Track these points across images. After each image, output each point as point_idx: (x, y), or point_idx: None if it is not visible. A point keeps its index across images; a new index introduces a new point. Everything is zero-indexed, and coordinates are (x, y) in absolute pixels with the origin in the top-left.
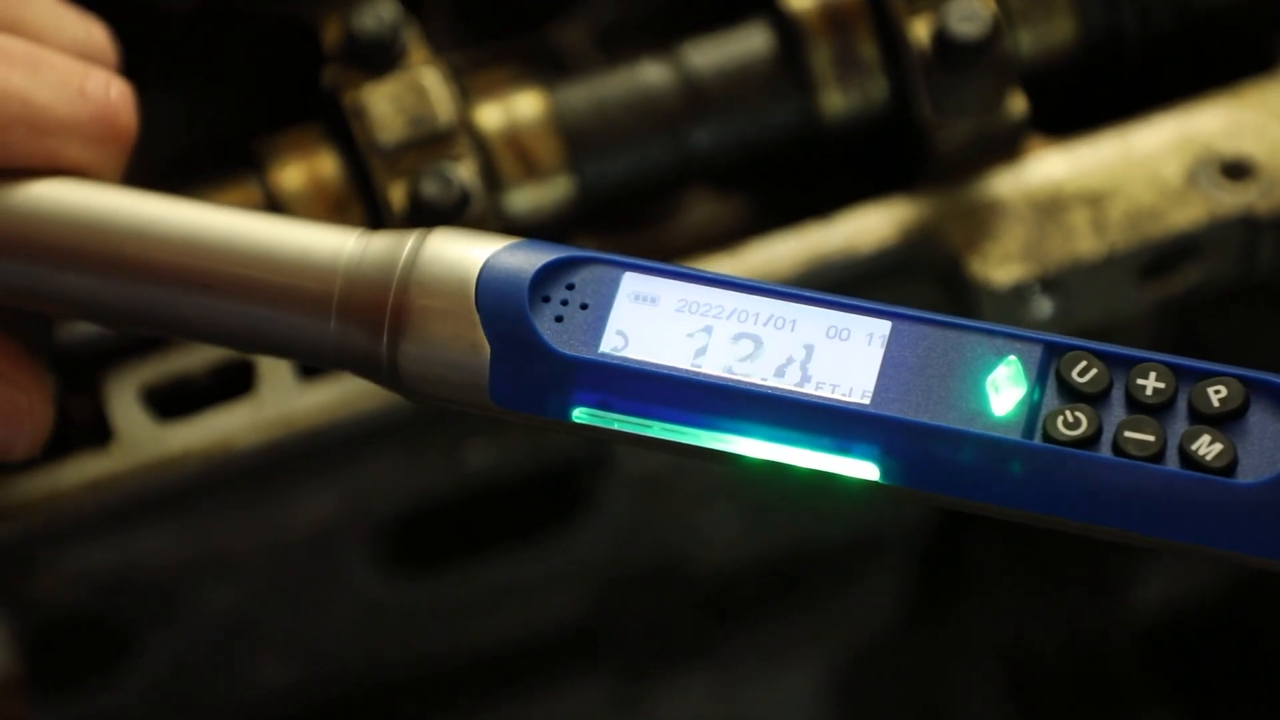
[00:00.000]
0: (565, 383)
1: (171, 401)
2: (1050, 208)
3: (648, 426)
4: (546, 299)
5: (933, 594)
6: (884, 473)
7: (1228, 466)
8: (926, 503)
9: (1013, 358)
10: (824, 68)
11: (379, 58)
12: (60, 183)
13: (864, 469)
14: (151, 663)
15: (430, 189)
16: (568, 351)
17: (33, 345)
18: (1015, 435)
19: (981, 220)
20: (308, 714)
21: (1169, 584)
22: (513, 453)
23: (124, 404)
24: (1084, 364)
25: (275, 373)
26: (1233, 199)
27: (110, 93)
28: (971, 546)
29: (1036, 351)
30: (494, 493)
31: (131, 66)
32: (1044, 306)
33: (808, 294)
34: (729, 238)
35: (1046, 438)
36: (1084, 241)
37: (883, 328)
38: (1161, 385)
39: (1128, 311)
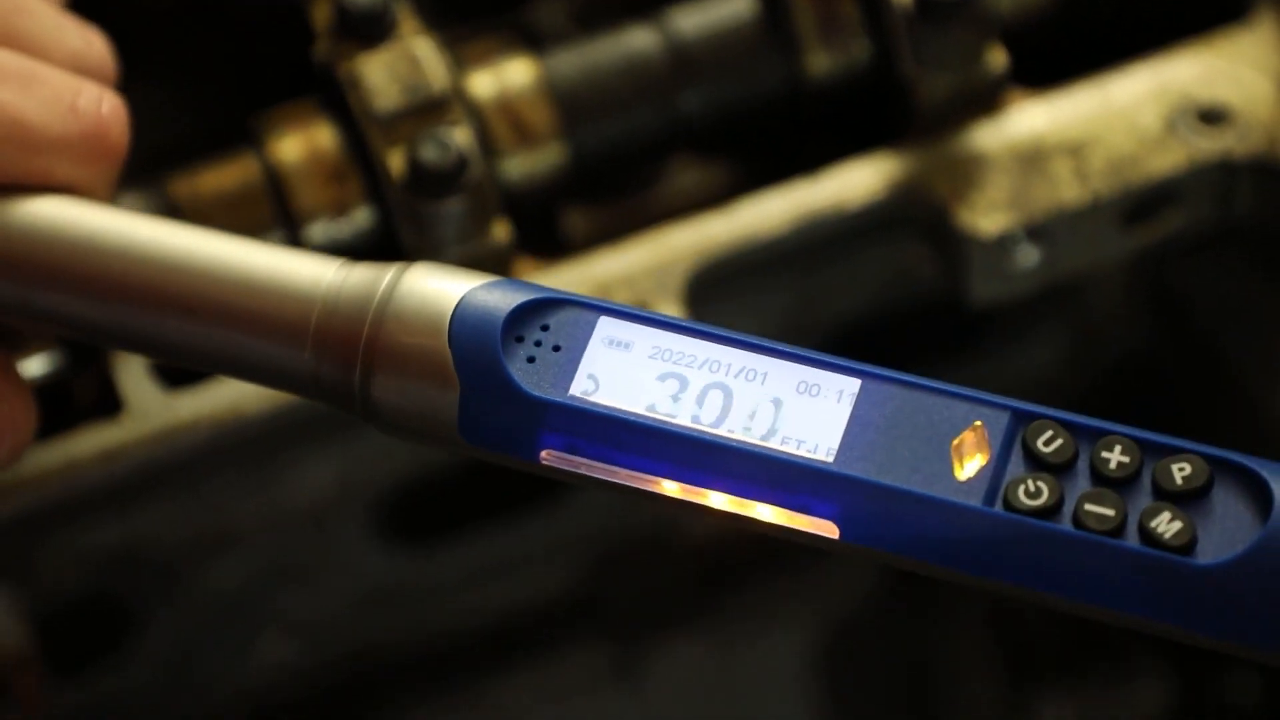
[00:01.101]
0: (533, 424)
1: (179, 372)
2: (1033, 158)
3: (614, 473)
4: (520, 339)
5: None
6: (844, 532)
7: (1186, 545)
8: (889, 563)
9: (979, 423)
10: (808, 29)
11: (372, 29)
12: (48, 200)
13: (825, 527)
14: (156, 643)
15: (429, 154)
16: (537, 393)
17: (11, 354)
18: (976, 501)
19: (966, 172)
20: (309, 692)
21: None
22: None
23: (133, 375)
24: (1050, 433)
25: None
26: (1210, 144)
27: (102, 109)
28: None
29: (1003, 418)
30: (490, 465)
31: (120, 55)
32: (1030, 255)
33: (781, 348)
34: (714, 203)
35: (1007, 506)
36: (1068, 190)
37: (852, 385)
38: (1126, 459)
39: (1110, 258)
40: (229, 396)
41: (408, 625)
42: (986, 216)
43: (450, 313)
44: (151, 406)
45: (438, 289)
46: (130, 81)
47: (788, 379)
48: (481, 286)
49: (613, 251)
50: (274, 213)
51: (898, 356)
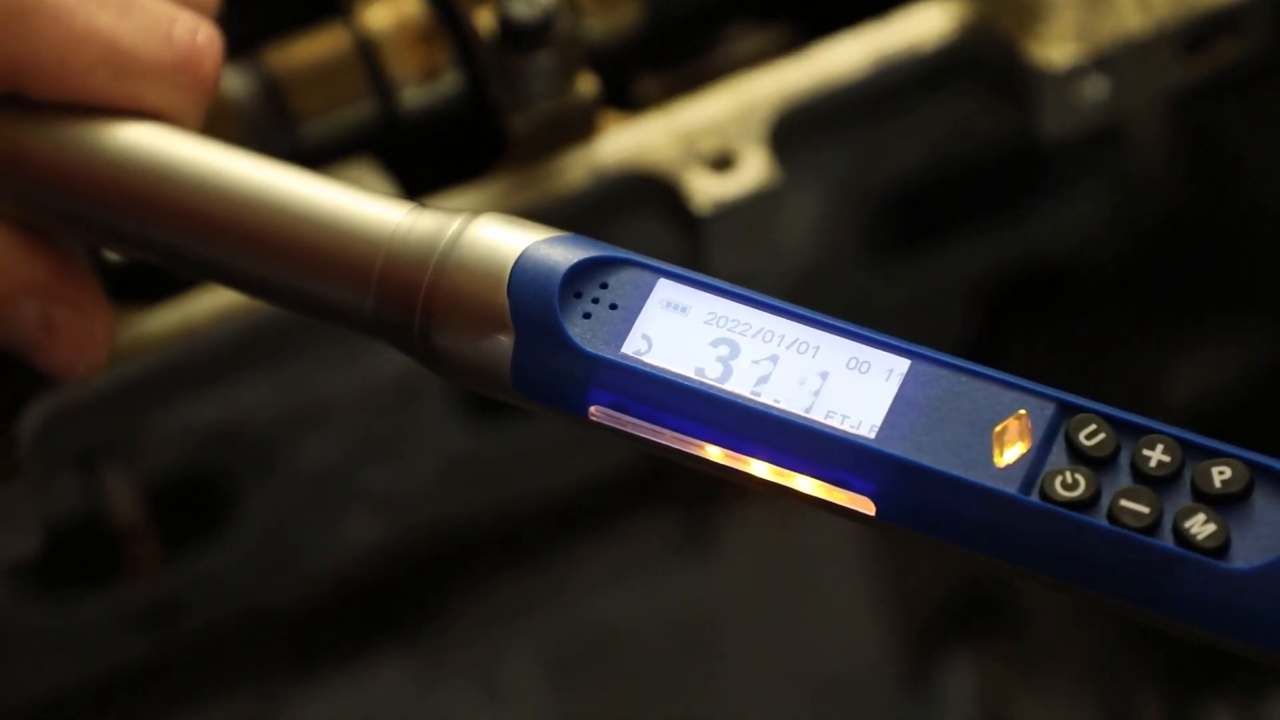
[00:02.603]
0: (583, 379)
1: None
2: None
3: (659, 433)
4: (579, 295)
5: None
6: (880, 509)
7: (1219, 548)
8: (925, 544)
9: (1023, 411)
10: None
11: None
12: (135, 125)
13: (862, 503)
14: (250, 522)
15: (517, 9)
16: (589, 349)
17: (94, 270)
18: (1012, 489)
19: (1032, 7)
20: (393, 568)
21: (1199, 377)
22: None
23: None
24: (1093, 427)
25: None
26: None
27: (197, 38)
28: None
29: (1049, 409)
30: None
31: None
32: (1100, 87)
33: (836, 323)
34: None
35: (1044, 496)
36: (1132, 19)
37: (902, 365)
38: (1167, 459)
39: (1171, 88)
40: None
41: (486, 499)
42: (1056, 47)
43: (511, 264)
44: None
45: (501, 240)
46: None
47: (839, 354)
48: (545, 240)
49: (695, 102)
50: (367, 80)
51: (945, 218)
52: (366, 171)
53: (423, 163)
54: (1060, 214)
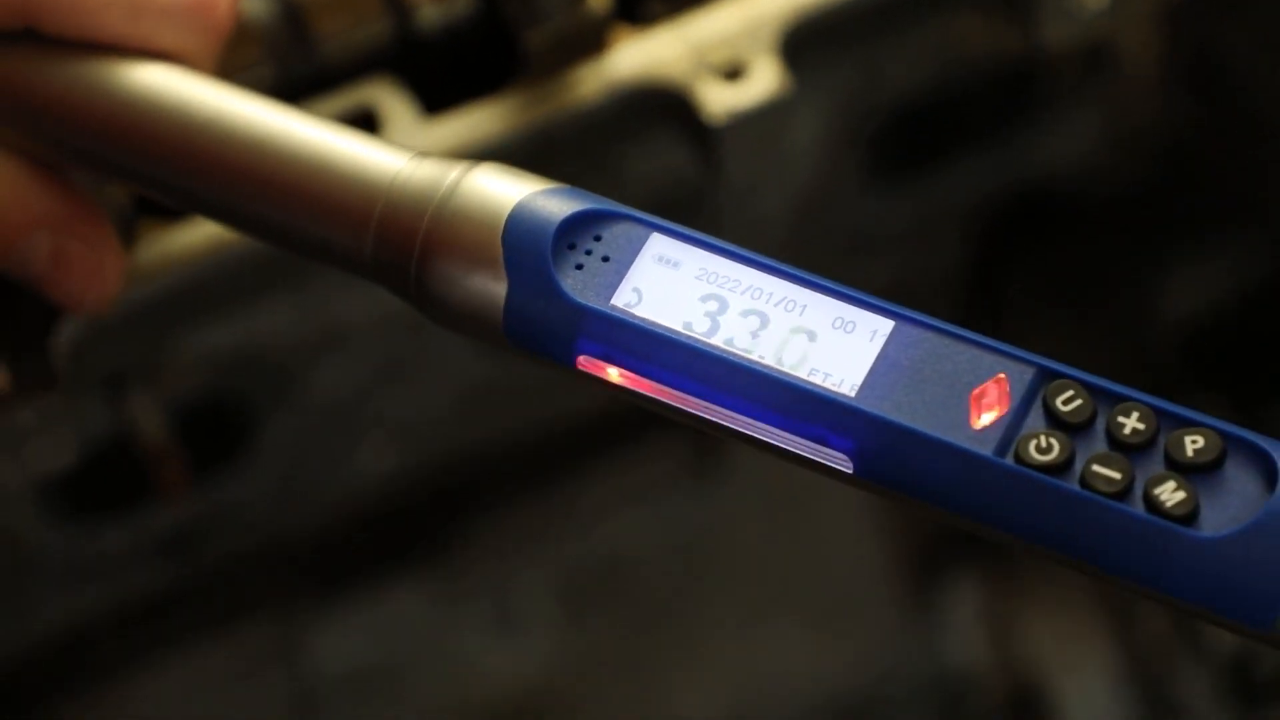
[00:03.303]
0: (573, 329)
1: None
2: None
3: (644, 384)
4: (572, 246)
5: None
6: (857, 466)
7: (1187, 515)
8: (901, 505)
9: (1002, 375)
10: None
11: None
12: (147, 66)
13: (839, 460)
14: (270, 449)
15: None
16: (579, 299)
17: (105, 205)
18: (987, 451)
19: None
20: (408, 495)
21: (1195, 295)
22: None
23: None
24: (1071, 393)
25: (397, 115)
26: None
27: None
28: (1006, 287)
29: (1028, 373)
30: None
31: None
32: None
33: (824, 283)
34: None
35: (1018, 459)
36: None
37: (886, 326)
38: (1141, 426)
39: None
40: None
41: (499, 426)
42: None
43: (507, 213)
44: None
45: (499, 189)
46: None
47: (825, 313)
48: (541, 192)
49: (705, 15)
50: (384, 2)
51: (944, 141)
52: (385, 90)
53: (441, 80)
54: (1056, 136)
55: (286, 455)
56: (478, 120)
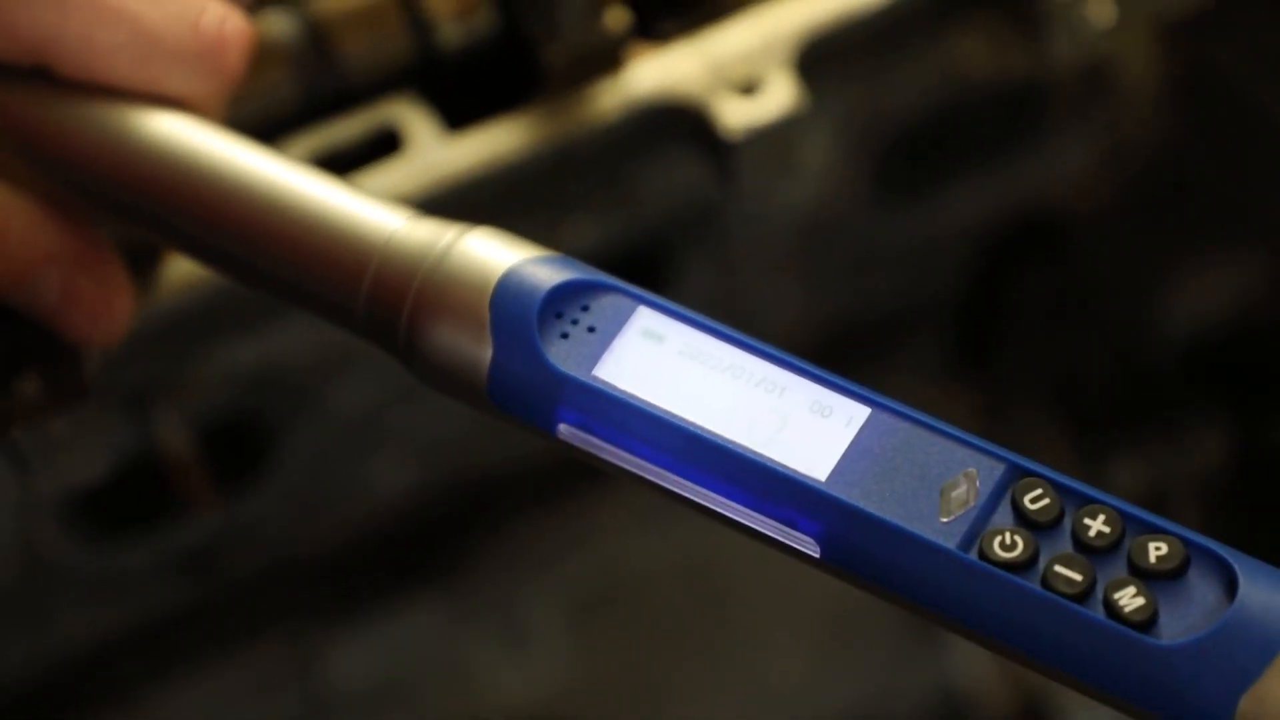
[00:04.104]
0: (554, 397)
1: (331, 164)
2: None
3: (620, 457)
4: (559, 315)
5: (975, 348)
6: (824, 552)
7: (1145, 622)
8: (867, 591)
9: (973, 470)
10: None
11: None
12: (154, 112)
13: (807, 544)
14: (288, 467)
15: None
16: (562, 368)
17: (113, 240)
18: (951, 544)
19: None
20: (423, 513)
21: (1195, 310)
22: (608, 230)
23: None
24: (1039, 491)
25: (420, 132)
26: None
27: (224, 29)
28: (1010, 303)
29: (998, 469)
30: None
31: None
32: (1105, 11)
33: (805, 366)
34: None
35: (981, 554)
36: None
37: (862, 413)
38: (1107, 530)
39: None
40: (377, 185)
41: (512, 446)
42: None
43: (497, 278)
44: None
45: (490, 254)
46: None
47: (804, 396)
48: (533, 259)
49: (721, 32)
50: (406, 19)
51: (948, 160)
52: (408, 107)
53: (462, 97)
54: (1058, 154)
55: (304, 473)
56: (498, 136)
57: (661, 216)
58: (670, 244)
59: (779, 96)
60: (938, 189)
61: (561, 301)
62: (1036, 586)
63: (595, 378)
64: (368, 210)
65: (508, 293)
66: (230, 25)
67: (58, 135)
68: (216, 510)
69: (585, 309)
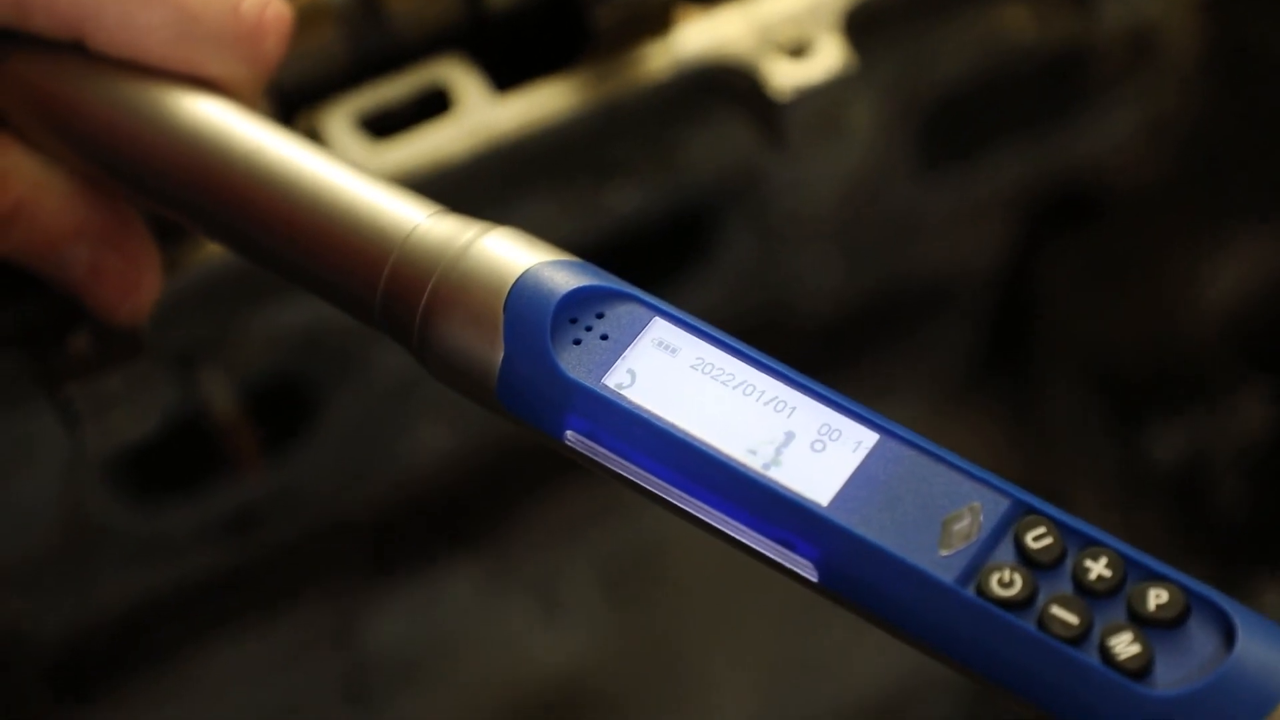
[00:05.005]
0: (562, 404)
1: (380, 123)
2: None
3: (625, 468)
4: (574, 320)
5: (1014, 318)
6: (821, 576)
7: (1139, 670)
8: (862, 618)
9: (977, 504)
10: None
11: None
12: (189, 93)
13: (805, 567)
14: (329, 432)
15: None
16: (572, 375)
17: (143, 216)
18: (949, 578)
19: None
20: (461, 481)
21: (1233, 287)
22: (652, 194)
23: (339, 129)
24: (1042, 530)
25: (468, 92)
26: None
27: (265, 14)
28: (1049, 273)
29: (1003, 505)
30: (626, 241)
31: None
32: None
33: (816, 387)
34: None
35: (979, 590)
36: None
37: (870, 439)
38: (1108, 573)
39: None
40: (430, 145)
41: None
42: None
43: (513, 280)
44: (358, 158)
45: (508, 255)
46: None
47: (813, 418)
48: (551, 263)
49: None
50: None
51: (988, 129)
52: (456, 67)
53: (510, 58)
54: (1100, 124)
55: (346, 437)
56: (546, 97)
57: (706, 181)
58: (713, 209)
59: (828, 58)
60: (980, 157)
61: (577, 307)
62: (1032, 626)
63: (605, 386)
64: (392, 204)
65: (522, 295)
66: (271, 10)
67: (90, 111)
68: (261, 473)
69: (600, 316)
